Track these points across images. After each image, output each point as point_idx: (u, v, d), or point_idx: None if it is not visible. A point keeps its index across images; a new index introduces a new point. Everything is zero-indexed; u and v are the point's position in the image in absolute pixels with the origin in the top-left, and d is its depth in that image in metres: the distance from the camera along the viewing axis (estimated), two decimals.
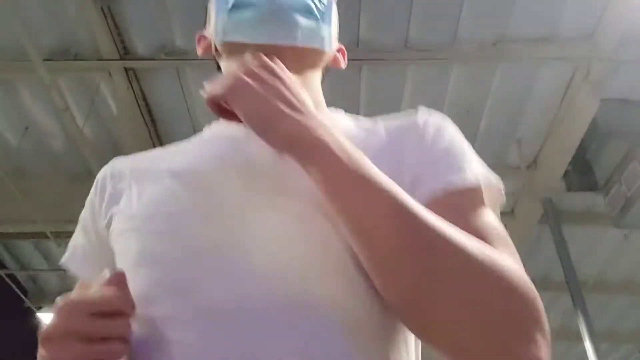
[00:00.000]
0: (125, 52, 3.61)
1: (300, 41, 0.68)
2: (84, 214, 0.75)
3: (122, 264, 0.62)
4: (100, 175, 0.76)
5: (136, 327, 0.53)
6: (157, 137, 4.18)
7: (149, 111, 4.01)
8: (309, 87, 0.73)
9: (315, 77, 0.78)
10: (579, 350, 4.36)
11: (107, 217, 0.69)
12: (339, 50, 0.82)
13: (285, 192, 0.59)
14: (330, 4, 0.74)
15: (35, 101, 4.00)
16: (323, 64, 0.78)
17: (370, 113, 3.67)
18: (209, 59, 0.81)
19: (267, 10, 0.66)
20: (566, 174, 4.36)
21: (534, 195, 4.55)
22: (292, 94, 0.54)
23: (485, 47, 3.59)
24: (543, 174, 4.42)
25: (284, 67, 0.59)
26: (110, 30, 3.45)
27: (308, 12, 0.69)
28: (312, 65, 0.75)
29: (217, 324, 0.51)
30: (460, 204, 0.56)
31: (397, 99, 3.95)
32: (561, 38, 3.55)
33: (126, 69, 3.68)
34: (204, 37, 0.80)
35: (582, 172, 4.34)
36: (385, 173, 0.53)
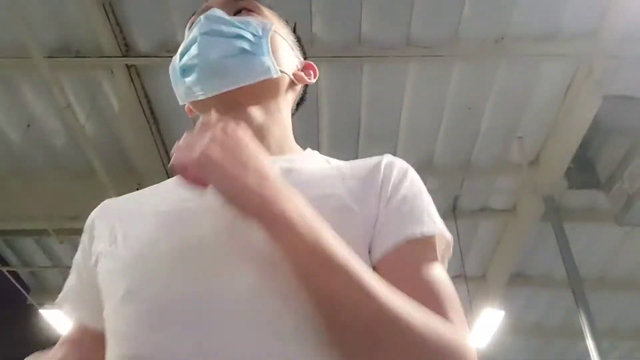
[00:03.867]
0: (126, 49, 3.61)
1: (243, 80, 0.76)
2: (77, 255, 0.80)
3: (108, 303, 0.67)
4: (90, 217, 0.80)
5: None
6: (158, 134, 4.19)
7: (151, 108, 4.02)
8: (276, 118, 0.81)
9: (282, 104, 0.83)
10: (580, 347, 4.36)
11: (94, 257, 0.73)
12: (305, 67, 0.89)
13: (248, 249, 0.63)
14: (265, 34, 0.80)
15: (36, 98, 4.01)
16: (283, 88, 0.83)
17: (371, 110, 3.65)
18: None
19: (204, 67, 0.77)
20: (568, 172, 4.36)
21: (535, 192, 4.55)
22: (256, 163, 0.58)
23: (487, 44, 3.59)
24: (545, 171, 4.42)
25: (246, 130, 0.62)
26: (111, 27, 3.45)
27: (241, 52, 0.77)
28: (272, 95, 0.81)
29: None
30: (416, 256, 0.65)
31: (399, 96, 3.95)
32: (563, 35, 3.55)
33: (128, 66, 3.68)
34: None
35: (584, 169, 4.34)
36: (353, 213, 0.66)
